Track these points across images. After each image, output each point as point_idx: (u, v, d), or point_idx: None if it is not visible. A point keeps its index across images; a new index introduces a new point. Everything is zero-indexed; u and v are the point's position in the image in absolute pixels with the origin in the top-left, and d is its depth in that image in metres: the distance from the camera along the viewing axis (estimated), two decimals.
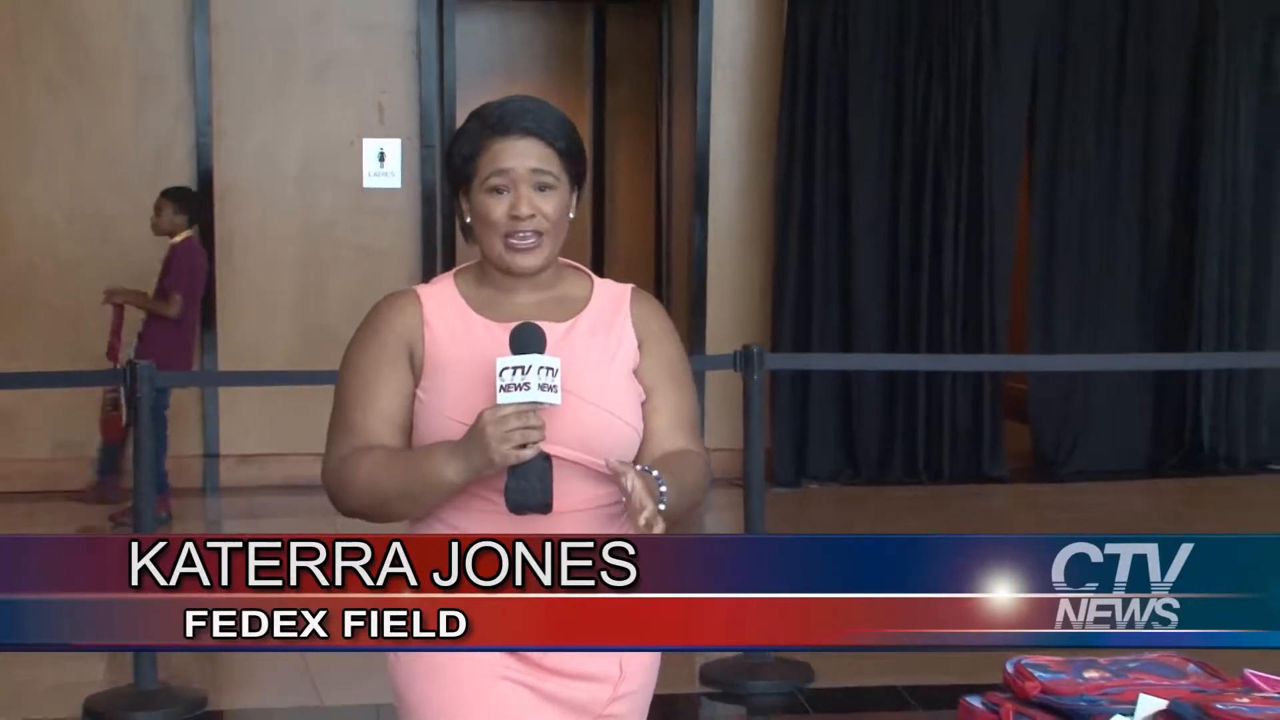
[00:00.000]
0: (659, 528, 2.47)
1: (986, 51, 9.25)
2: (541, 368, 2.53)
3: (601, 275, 3.01)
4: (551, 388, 2.53)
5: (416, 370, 2.73)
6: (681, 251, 9.67)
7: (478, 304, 2.76)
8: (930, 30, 9.21)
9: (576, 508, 2.66)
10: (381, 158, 9.16)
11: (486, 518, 2.64)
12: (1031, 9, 9.33)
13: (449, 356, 2.69)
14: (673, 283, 9.95)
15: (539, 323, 2.65)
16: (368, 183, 9.18)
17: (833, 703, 5.45)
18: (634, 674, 2.78)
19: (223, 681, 6.00)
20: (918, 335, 9.27)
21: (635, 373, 2.78)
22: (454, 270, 2.85)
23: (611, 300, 2.82)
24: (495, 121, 2.71)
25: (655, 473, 2.59)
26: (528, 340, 2.57)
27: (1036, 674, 2.95)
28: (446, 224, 9.41)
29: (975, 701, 3.01)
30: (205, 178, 8.86)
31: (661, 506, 2.52)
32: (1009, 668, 3.01)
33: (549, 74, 11.25)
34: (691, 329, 9.23)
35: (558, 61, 11.30)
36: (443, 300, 2.77)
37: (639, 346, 2.79)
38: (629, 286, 2.86)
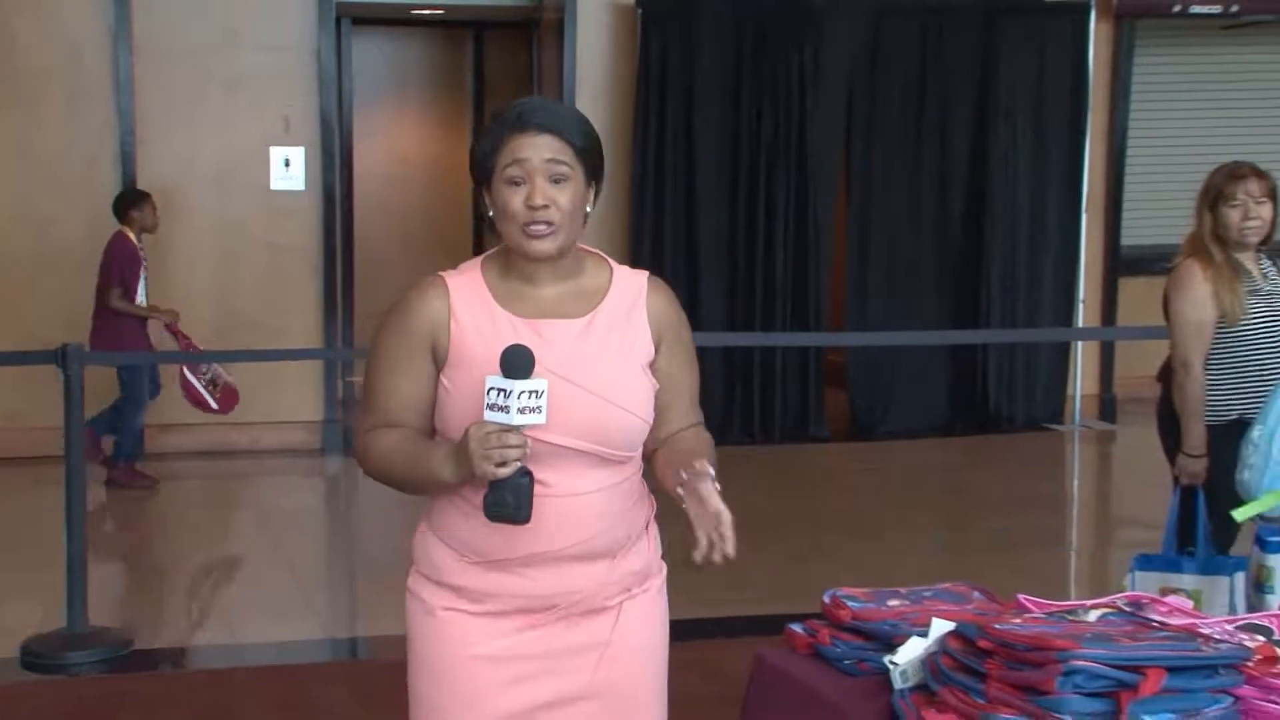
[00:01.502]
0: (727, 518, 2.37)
1: (809, 76, 9.21)
2: (524, 392, 2.32)
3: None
4: (535, 409, 2.33)
5: (440, 358, 2.52)
6: None
7: (502, 296, 2.54)
8: (763, 58, 9.16)
9: (587, 489, 2.50)
10: (287, 164, 8.94)
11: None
12: (847, 41, 9.31)
13: (473, 351, 2.48)
14: None
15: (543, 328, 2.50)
16: (275, 186, 8.93)
17: (681, 632, 5.36)
18: (630, 630, 2.65)
19: (147, 623, 5.82)
20: (753, 316, 9.24)
21: (652, 365, 2.59)
22: (482, 256, 2.62)
23: (629, 292, 2.60)
24: (514, 119, 2.49)
25: (708, 469, 2.45)
26: (515, 364, 2.34)
27: (849, 603, 2.88)
28: (345, 222, 9.23)
29: (797, 628, 2.94)
30: (130, 182, 8.53)
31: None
32: (826, 599, 2.93)
33: (435, 91, 11.08)
34: None
35: (442, 80, 11.11)
36: (470, 292, 2.54)
37: (657, 343, 2.59)
38: (645, 276, 2.64)
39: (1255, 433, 4.31)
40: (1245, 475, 4.32)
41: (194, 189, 8.80)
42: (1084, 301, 9.87)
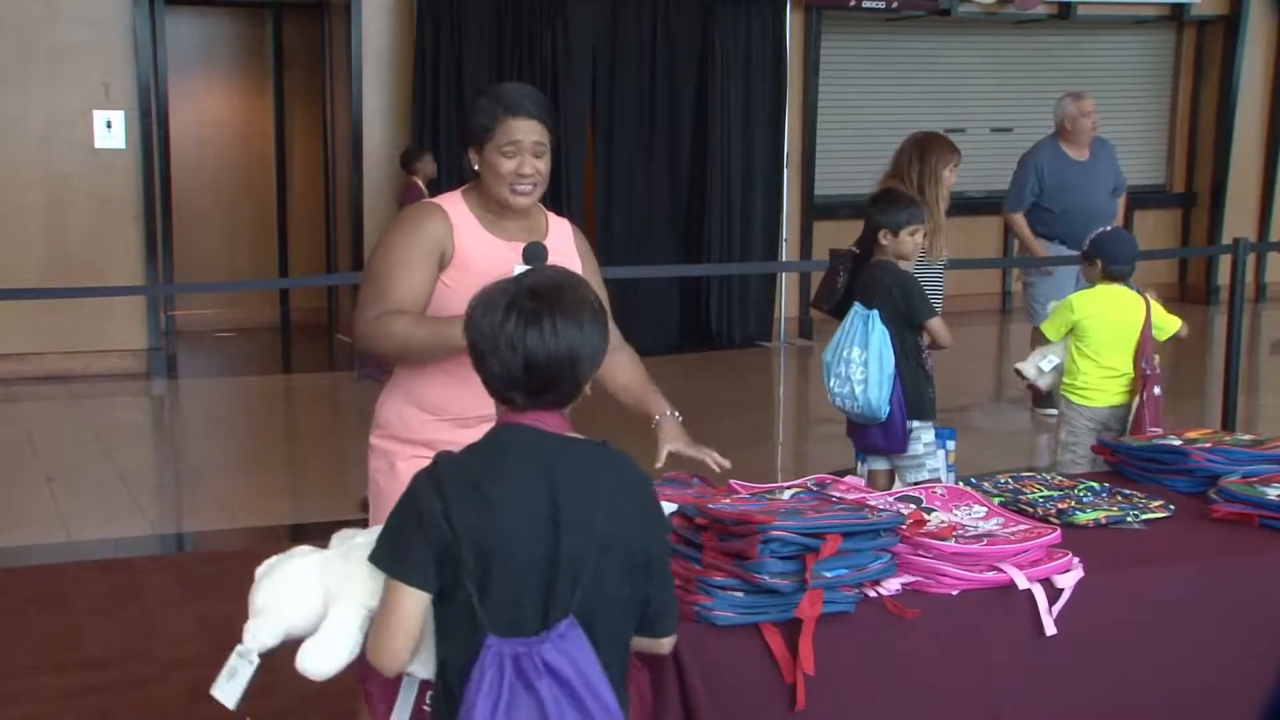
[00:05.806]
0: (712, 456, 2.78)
1: (560, 51, 9.14)
2: None
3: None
4: None
5: (445, 262, 2.79)
6: (343, 198, 9.29)
7: (484, 222, 2.84)
8: (520, 35, 9.04)
9: None
10: (109, 125, 8.47)
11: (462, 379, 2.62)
12: (590, 23, 9.23)
13: (471, 259, 2.78)
14: (337, 221, 9.60)
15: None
16: (98, 144, 8.44)
17: None
18: None
19: None
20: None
21: None
22: (459, 192, 2.89)
23: (563, 229, 2.96)
24: (509, 104, 2.77)
25: (675, 414, 2.89)
26: (538, 253, 2.72)
27: None
28: (163, 175, 8.84)
29: None
30: None
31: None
32: None
33: (240, 63, 10.64)
34: (354, 253, 8.88)
35: (246, 54, 10.66)
36: (462, 215, 2.83)
37: (583, 267, 2.89)
38: (567, 221, 3.00)
39: (855, 354, 4.18)
40: (859, 389, 4.15)
41: (24, 147, 8.29)
42: (786, 240, 10.03)
